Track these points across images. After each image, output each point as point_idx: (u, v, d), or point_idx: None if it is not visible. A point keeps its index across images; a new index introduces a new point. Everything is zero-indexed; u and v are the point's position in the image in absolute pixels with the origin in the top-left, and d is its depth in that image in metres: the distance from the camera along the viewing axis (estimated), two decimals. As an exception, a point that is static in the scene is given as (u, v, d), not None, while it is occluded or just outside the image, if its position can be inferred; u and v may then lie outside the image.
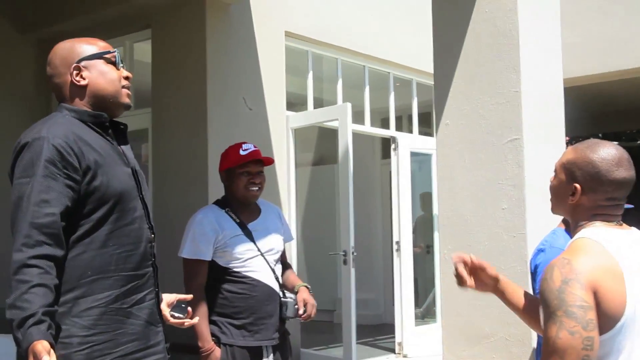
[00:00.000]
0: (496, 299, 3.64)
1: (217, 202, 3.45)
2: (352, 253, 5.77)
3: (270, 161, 3.46)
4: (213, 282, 3.31)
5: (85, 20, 6.06)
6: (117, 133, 2.27)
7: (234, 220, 3.33)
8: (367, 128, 7.45)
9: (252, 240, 3.31)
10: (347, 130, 5.91)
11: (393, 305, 7.25)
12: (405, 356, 7.02)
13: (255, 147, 3.42)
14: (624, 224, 1.91)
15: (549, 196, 2.02)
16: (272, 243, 3.39)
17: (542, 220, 3.31)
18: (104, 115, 2.21)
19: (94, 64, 2.21)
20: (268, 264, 3.33)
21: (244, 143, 3.43)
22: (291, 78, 6.54)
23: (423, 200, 7.94)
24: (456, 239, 4.06)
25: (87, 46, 2.24)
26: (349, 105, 5.99)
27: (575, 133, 13.00)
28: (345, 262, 5.81)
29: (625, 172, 1.88)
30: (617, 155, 1.89)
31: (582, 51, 7.71)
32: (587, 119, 10.64)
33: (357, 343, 5.97)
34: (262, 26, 5.97)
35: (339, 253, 5.92)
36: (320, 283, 7.01)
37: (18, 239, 1.94)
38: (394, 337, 7.19)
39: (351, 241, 5.77)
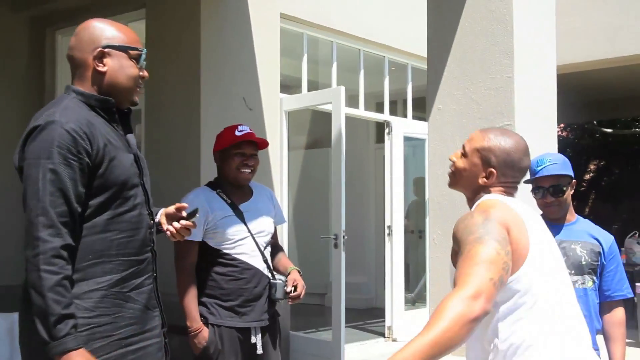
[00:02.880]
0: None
1: (209, 184, 3.46)
2: (343, 237, 5.78)
3: (264, 144, 3.46)
4: (202, 263, 3.32)
5: (78, -1, 6.02)
6: (120, 118, 2.27)
7: (225, 201, 3.34)
8: (361, 112, 7.43)
9: (243, 221, 3.32)
10: (340, 114, 5.90)
11: (384, 289, 7.28)
12: (394, 340, 7.06)
13: (251, 130, 3.42)
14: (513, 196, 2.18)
15: (454, 175, 2.25)
16: (263, 225, 3.40)
17: (532, 205, 3.33)
18: (111, 101, 2.20)
19: (118, 54, 2.19)
20: (258, 246, 3.34)
21: (240, 125, 3.43)
22: (286, 60, 6.52)
23: (416, 185, 7.95)
24: (446, 224, 4.06)
25: (119, 34, 2.22)
26: (342, 88, 5.98)
27: (570, 120, 13.04)
28: (336, 245, 5.82)
29: (529, 160, 2.21)
30: (525, 145, 2.18)
31: (579, 38, 7.70)
32: (582, 105, 10.65)
33: (347, 327, 6.00)
34: (258, 8, 5.94)
35: (330, 237, 5.93)
36: (311, 266, 7.03)
37: (38, 227, 1.93)
38: (384, 321, 7.22)
39: (342, 225, 5.78)
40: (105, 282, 2.08)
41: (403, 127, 7.41)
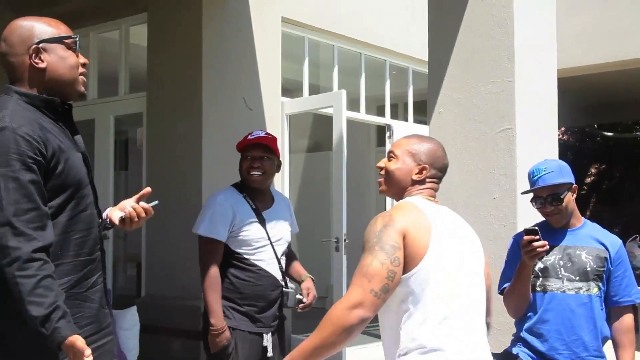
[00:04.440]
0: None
1: (236, 186, 3.49)
2: (344, 240, 5.78)
3: (271, 142, 3.45)
4: (222, 265, 3.35)
5: (81, 3, 6.03)
6: (63, 116, 2.23)
7: (251, 206, 3.37)
8: (362, 115, 7.44)
9: (264, 228, 3.37)
10: (341, 117, 5.90)
11: (385, 292, 7.27)
12: (396, 343, 7.05)
13: (266, 134, 3.46)
14: (438, 201, 2.40)
15: (386, 179, 2.45)
16: (282, 233, 3.46)
17: (532, 210, 3.33)
18: (57, 101, 2.17)
19: (54, 47, 2.15)
20: (275, 254, 3.40)
21: (255, 131, 3.51)
22: (287, 64, 6.53)
23: (417, 189, 7.94)
24: (447, 227, 4.07)
25: (48, 28, 2.16)
26: (344, 92, 5.99)
27: (571, 123, 13.04)
28: (337, 249, 5.82)
29: (447, 159, 2.46)
30: (442, 147, 2.46)
31: (581, 41, 7.71)
32: (583, 109, 10.65)
33: (348, 329, 5.99)
34: (259, 11, 5.95)
35: (331, 240, 5.93)
36: (312, 270, 7.00)
37: (6, 237, 1.92)
38: (385, 324, 7.21)
39: (344, 228, 5.79)
40: (65, 284, 2.06)
41: (404, 130, 7.41)
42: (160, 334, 4.98)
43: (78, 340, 1.91)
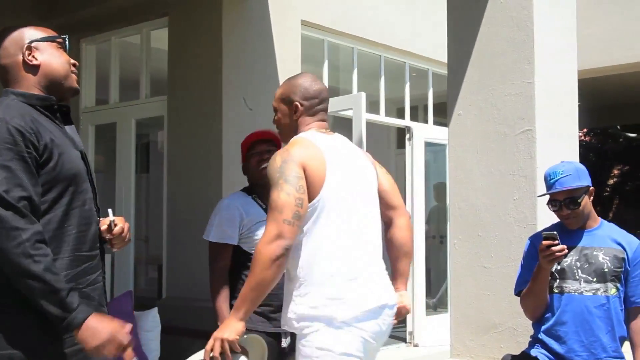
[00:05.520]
0: (505, 290, 3.66)
1: (245, 189, 3.54)
2: (365, 242, 5.78)
3: (272, 135, 3.49)
4: (236, 267, 3.37)
5: (103, 8, 6.10)
6: (61, 117, 2.27)
7: (260, 205, 3.40)
8: (382, 118, 7.44)
9: None
10: (361, 120, 5.91)
11: (405, 294, 7.26)
12: (416, 345, 7.05)
13: (267, 130, 3.51)
14: (331, 132, 2.57)
15: (279, 132, 2.67)
16: None
17: (552, 212, 3.33)
18: (53, 98, 2.22)
19: (45, 46, 2.23)
20: None
21: (260, 130, 3.56)
22: (307, 67, 6.55)
23: (437, 191, 7.93)
24: (467, 229, 4.07)
25: (37, 31, 2.26)
26: (363, 94, 6.00)
27: (592, 124, 12.93)
28: (357, 251, 5.83)
29: (321, 84, 2.60)
30: (311, 75, 2.62)
31: (601, 42, 7.65)
32: (605, 110, 10.57)
33: (368, 331, 5.99)
34: (279, 15, 5.98)
35: (351, 242, 5.93)
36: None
37: (11, 219, 1.93)
38: (405, 327, 7.21)
39: (364, 230, 5.79)
40: None
41: (424, 132, 7.41)
42: (181, 336, 5.00)
43: (98, 319, 1.98)
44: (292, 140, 2.49)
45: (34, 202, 2.00)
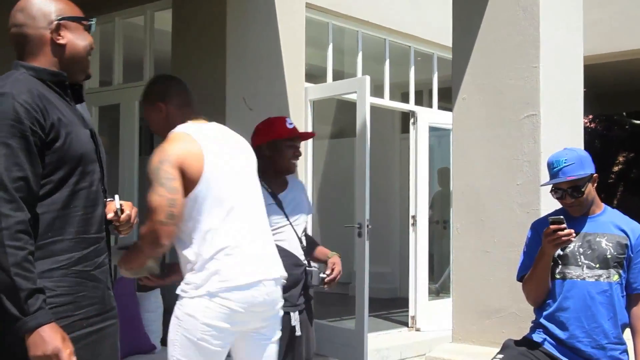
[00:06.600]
0: (507, 275, 3.65)
1: None
2: (367, 226, 5.78)
3: (309, 136, 3.70)
4: None
5: (106, -12, 6.07)
6: (73, 94, 2.20)
7: (267, 189, 3.41)
8: (386, 102, 7.42)
9: (282, 209, 3.41)
10: (365, 103, 5.89)
11: (408, 279, 7.28)
12: (418, 330, 7.06)
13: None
14: (208, 121, 2.75)
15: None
16: (299, 213, 3.51)
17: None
18: (64, 74, 2.13)
19: (73, 25, 2.15)
20: (296, 233, 3.44)
21: (286, 118, 3.59)
22: (311, 50, 6.52)
23: (441, 176, 7.92)
24: (470, 214, 4.06)
25: (66, 6, 2.17)
26: (367, 78, 5.97)
27: (598, 111, 12.87)
28: (360, 234, 5.83)
29: (180, 84, 2.78)
30: (162, 77, 2.86)
31: (608, 28, 7.61)
32: (610, 96, 10.53)
33: (370, 316, 6.01)
34: (283, -3, 5.95)
35: (354, 226, 5.94)
36: (335, 255, 7.03)
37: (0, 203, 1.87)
38: (407, 311, 7.22)
39: (366, 214, 5.79)
40: (65, 261, 2.01)
41: (428, 117, 7.38)
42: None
43: (51, 330, 1.88)
44: (170, 136, 2.63)
45: (30, 183, 1.93)
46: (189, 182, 2.52)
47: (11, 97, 1.94)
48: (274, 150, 3.47)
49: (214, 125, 2.78)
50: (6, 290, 1.85)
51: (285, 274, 2.78)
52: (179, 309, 2.61)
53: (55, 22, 2.10)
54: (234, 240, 2.60)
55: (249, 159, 2.80)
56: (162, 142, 2.60)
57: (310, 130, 6.35)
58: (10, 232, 1.86)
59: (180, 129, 2.64)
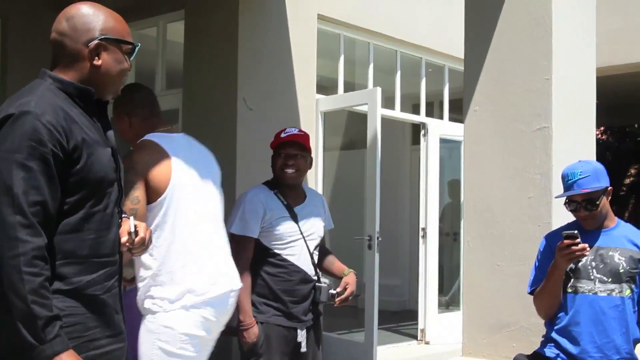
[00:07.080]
0: (518, 288, 3.63)
1: (267, 183, 3.54)
2: (377, 238, 5.76)
3: (304, 139, 3.49)
4: (253, 262, 3.38)
5: (119, 0, 6.09)
6: (98, 109, 2.13)
7: (282, 201, 3.41)
8: (397, 113, 7.41)
9: (297, 223, 3.40)
10: (376, 115, 5.89)
11: (418, 291, 7.24)
12: (427, 343, 7.02)
13: (299, 131, 3.52)
14: (176, 131, 2.81)
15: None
16: (314, 228, 3.49)
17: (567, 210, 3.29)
18: (92, 91, 2.06)
19: (114, 48, 2.08)
20: (308, 248, 3.42)
21: (291, 127, 3.57)
22: (322, 61, 6.53)
23: (451, 188, 7.89)
24: (481, 226, 4.04)
25: (115, 24, 2.09)
26: (378, 89, 5.97)
27: (610, 122, 12.81)
28: (370, 246, 5.81)
29: (145, 95, 2.86)
30: (129, 87, 2.79)
31: (621, 39, 7.57)
32: (623, 108, 10.48)
33: (379, 328, 5.99)
34: (295, 9, 5.96)
35: (364, 238, 5.92)
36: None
37: (15, 227, 1.81)
38: (417, 324, 7.18)
39: (376, 226, 5.77)
40: (76, 284, 1.96)
41: (439, 128, 7.37)
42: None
43: (70, 358, 1.82)
44: (138, 143, 2.69)
45: (48, 207, 1.87)
46: (153, 191, 2.57)
47: (35, 117, 1.87)
48: (272, 161, 3.49)
49: (182, 135, 2.85)
50: (23, 318, 1.80)
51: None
52: (151, 323, 2.64)
53: (96, 42, 2.04)
54: (200, 251, 2.67)
55: (211, 170, 2.87)
56: (130, 150, 2.68)
57: (320, 141, 6.35)
58: (26, 259, 1.80)
59: (149, 137, 2.70)
